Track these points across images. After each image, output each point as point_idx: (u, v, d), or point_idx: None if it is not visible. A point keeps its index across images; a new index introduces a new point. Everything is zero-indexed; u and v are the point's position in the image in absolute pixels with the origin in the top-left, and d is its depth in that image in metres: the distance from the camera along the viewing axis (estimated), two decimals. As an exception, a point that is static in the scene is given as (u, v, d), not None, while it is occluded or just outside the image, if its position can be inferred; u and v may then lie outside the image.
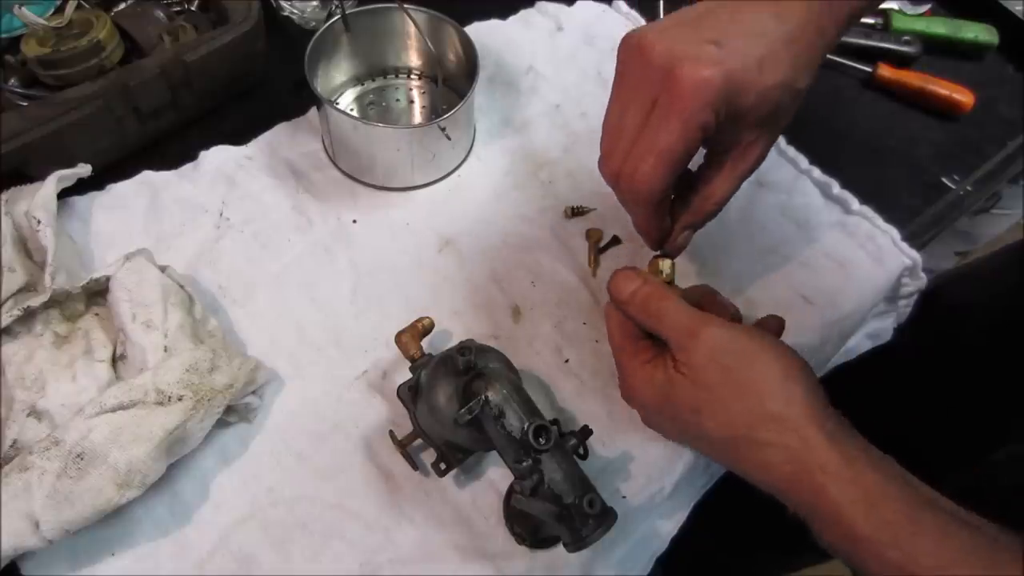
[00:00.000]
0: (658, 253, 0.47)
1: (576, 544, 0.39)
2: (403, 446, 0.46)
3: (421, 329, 0.48)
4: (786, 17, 0.39)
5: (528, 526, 0.45)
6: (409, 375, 0.48)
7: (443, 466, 0.46)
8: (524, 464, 0.40)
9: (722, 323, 0.40)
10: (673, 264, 0.47)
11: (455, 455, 0.46)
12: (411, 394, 0.46)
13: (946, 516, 0.34)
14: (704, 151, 0.44)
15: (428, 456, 0.48)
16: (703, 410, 0.40)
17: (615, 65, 0.41)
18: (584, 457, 0.44)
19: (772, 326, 0.46)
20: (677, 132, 0.37)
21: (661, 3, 0.77)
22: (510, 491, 0.46)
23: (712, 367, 0.39)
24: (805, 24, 0.39)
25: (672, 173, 0.39)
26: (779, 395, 0.38)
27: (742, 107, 0.38)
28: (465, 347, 0.43)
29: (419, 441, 0.46)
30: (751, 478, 0.39)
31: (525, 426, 0.40)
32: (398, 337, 0.48)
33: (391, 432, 0.47)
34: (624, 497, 0.48)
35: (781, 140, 0.65)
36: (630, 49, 0.39)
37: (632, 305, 0.43)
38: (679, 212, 0.46)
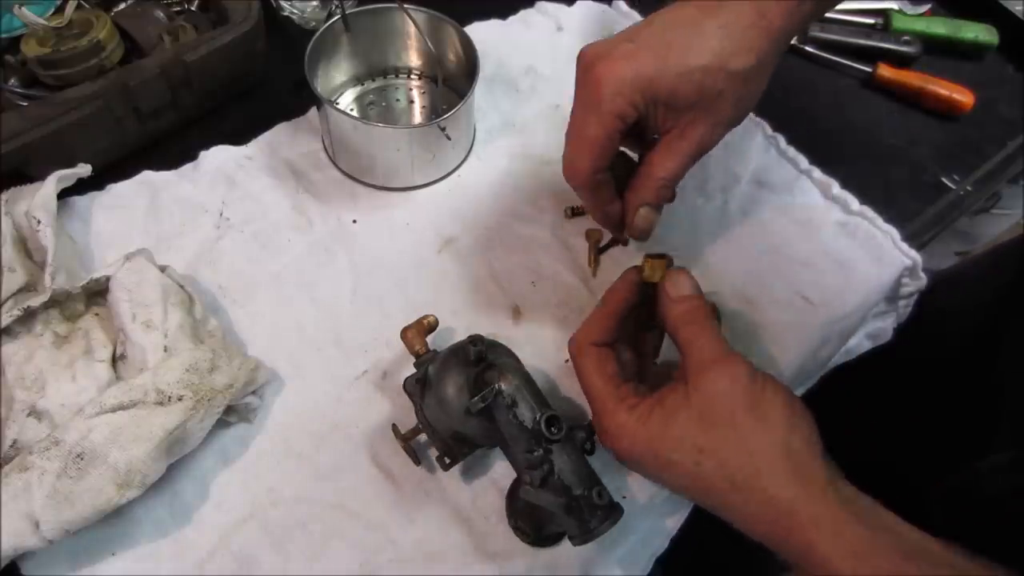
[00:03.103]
0: (647, 253, 0.46)
1: (583, 536, 0.39)
2: (406, 440, 0.46)
3: (426, 326, 0.48)
4: (714, 11, 0.42)
5: (532, 521, 0.45)
6: (409, 374, 0.48)
7: (447, 460, 0.46)
8: (535, 454, 0.40)
9: (749, 363, 0.40)
10: (662, 267, 0.45)
11: (460, 449, 0.46)
12: (419, 387, 0.46)
13: (933, 566, 0.34)
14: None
15: (430, 453, 0.48)
16: (705, 448, 0.38)
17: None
18: (591, 452, 0.44)
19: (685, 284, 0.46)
20: (594, 121, 0.42)
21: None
22: (514, 487, 0.46)
23: (724, 400, 0.39)
24: (739, 9, 0.42)
25: (598, 157, 0.43)
26: (780, 446, 0.37)
27: (662, 90, 0.42)
28: (476, 338, 0.43)
29: (422, 437, 0.46)
30: (737, 524, 0.39)
31: (537, 416, 0.40)
32: (403, 333, 0.48)
33: (394, 426, 0.47)
34: (625, 496, 0.48)
35: (781, 140, 0.65)
36: (576, 60, 0.44)
37: (679, 308, 0.43)
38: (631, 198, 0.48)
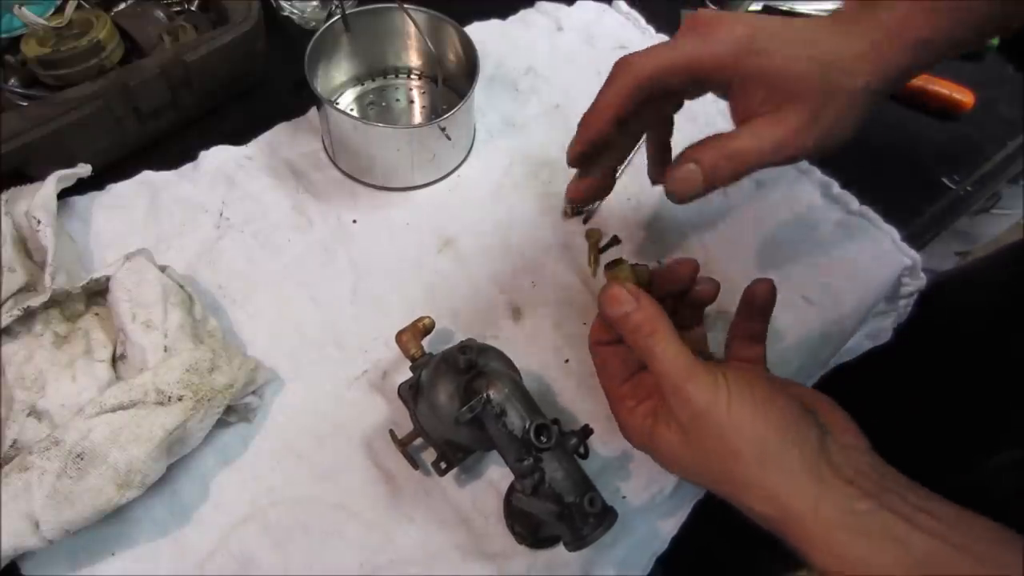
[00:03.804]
0: (606, 265, 0.44)
1: (577, 543, 0.39)
2: (403, 445, 0.46)
3: (421, 328, 0.48)
4: (842, 22, 0.40)
5: (528, 525, 0.45)
6: (409, 375, 0.48)
7: (443, 465, 0.46)
8: (525, 463, 0.39)
9: (707, 375, 0.38)
10: (632, 268, 0.43)
11: (456, 454, 0.46)
12: (412, 393, 0.46)
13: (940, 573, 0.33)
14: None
15: (428, 456, 0.48)
16: (694, 473, 0.39)
17: None
18: (585, 456, 0.44)
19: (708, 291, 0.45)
20: (692, 45, 0.39)
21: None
22: (510, 490, 0.46)
23: (693, 428, 0.38)
24: (858, 32, 0.40)
25: (667, 70, 0.40)
26: (757, 468, 0.36)
27: (769, 68, 0.39)
28: (466, 346, 0.43)
29: (419, 440, 0.46)
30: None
31: (526, 424, 0.40)
32: (398, 336, 0.48)
33: (391, 431, 0.47)
34: (624, 497, 0.48)
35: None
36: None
37: (623, 328, 0.40)
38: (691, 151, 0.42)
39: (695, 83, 0.41)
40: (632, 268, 0.43)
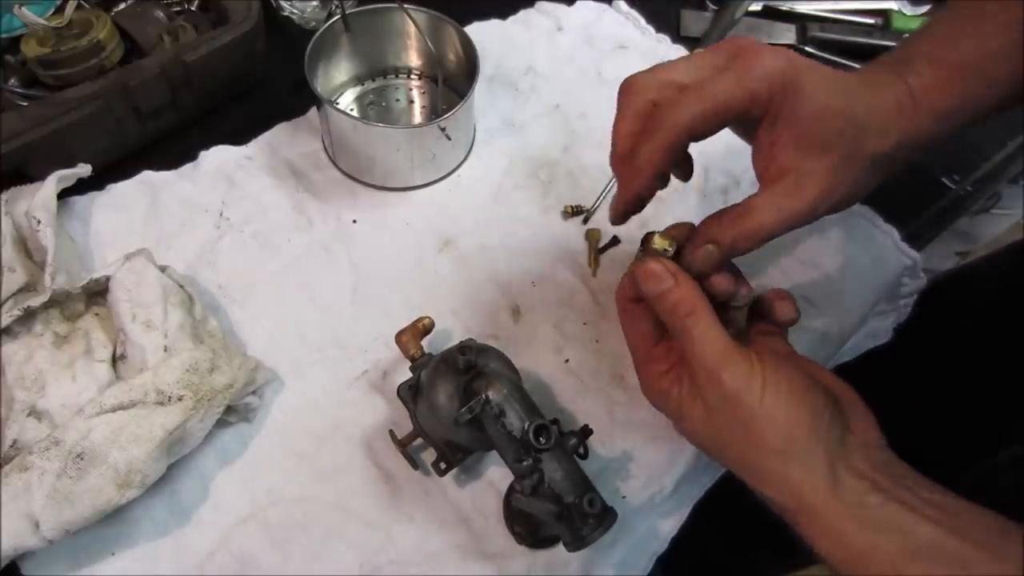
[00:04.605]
0: (652, 231, 0.42)
1: (576, 544, 0.39)
2: (403, 446, 0.46)
3: (421, 329, 0.48)
4: (871, 85, 0.40)
5: (528, 526, 0.45)
6: (409, 375, 0.48)
7: (443, 465, 0.46)
8: (524, 463, 0.39)
9: (744, 362, 0.37)
10: (668, 236, 0.41)
11: (455, 454, 0.46)
12: (411, 393, 0.46)
13: (937, 565, 0.33)
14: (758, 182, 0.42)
15: (428, 456, 0.48)
16: (711, 449, 0.40)
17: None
18: (584, 457, 0.44)
19: (785, 311, 0.44)
20: (730, 83, 0.37)
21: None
22: (510, 491, 0.46)
23: (720, 414, 0.38)
24: (886, 97, 0.40)
25: (705, 117, 0.37)
26: (779, 461, 0.37)
27: (800, 112, 0.38)
28: (466, 346, 0.43)
29: (419, 441, 0.46)
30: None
31: (525, 425, 0.40)
32: (398, 337, 0.48)
33: (391, 432, 0.47)
34: (624, 497, 0.48)
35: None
36: (723, 42, 0.40)
37: (659, 306, 0.40)
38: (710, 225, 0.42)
39: (727, 123, 0.40)
40: (668, 236, 0.41)
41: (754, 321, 0.45)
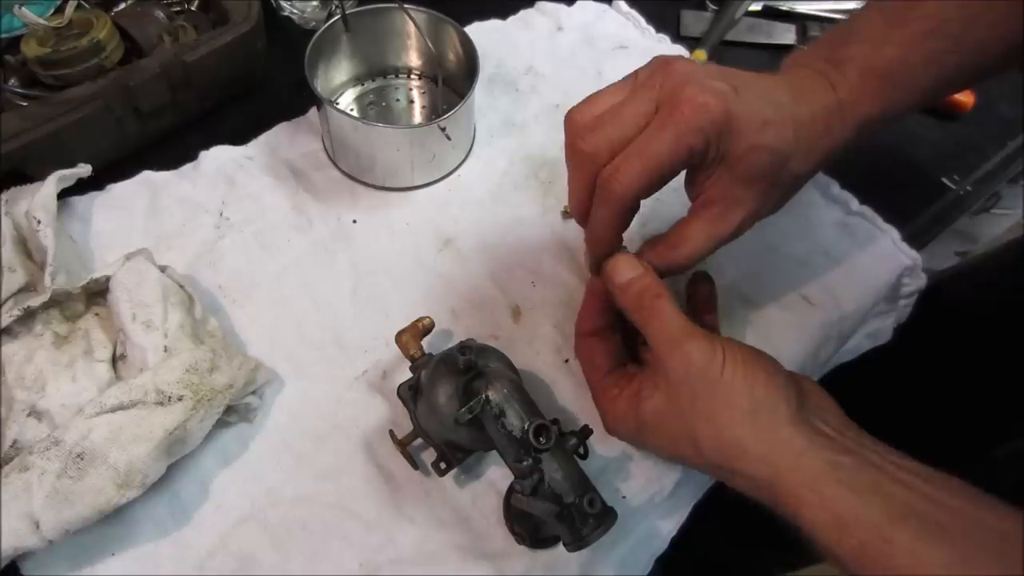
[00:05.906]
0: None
1: (576, 544, 0.39)
2: (403, 445, 0.46)
3: (421, 329, 0.48)
4: (802, 100, 0.41)
5: (528, 526, 0.45)
6: (409, 375, 0.48)
7: (443, 466, 0.46)
8: (524, 463, 0.40)
9: (705, 338, 0.40)
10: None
11: (455, 455, 0.46)
12: (411, 393, 0.46)
13: (920, 528, 0.33)
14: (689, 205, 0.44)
15: (428, 456, 0.48)
16: (678, 437, 0.40)
17: (637, 70, 0.42)
18: (584, 457, 0.44)
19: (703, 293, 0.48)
20: (668, 142, 0.38)
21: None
22: (510, 491, 0.46)
23: (685, 389, 0.39)
24: (816, 115, 0.41)
25: (650, 180, 0.39)
26: (748, 424, 0.38)
27: (733, 152, 0.39)
28: (466, 346, 0.43)
29: (419, 441, 0.46)
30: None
31: (525, 425, 0.40)
32: (398, 337, 0.48)
33: (391, 432, 0.47)
34: (624, 497, 0.48)
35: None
36: (658, 62, 0.41)
37: (627, 295, 0.43)
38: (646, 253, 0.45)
39: (669, 180, 0.41)
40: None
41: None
